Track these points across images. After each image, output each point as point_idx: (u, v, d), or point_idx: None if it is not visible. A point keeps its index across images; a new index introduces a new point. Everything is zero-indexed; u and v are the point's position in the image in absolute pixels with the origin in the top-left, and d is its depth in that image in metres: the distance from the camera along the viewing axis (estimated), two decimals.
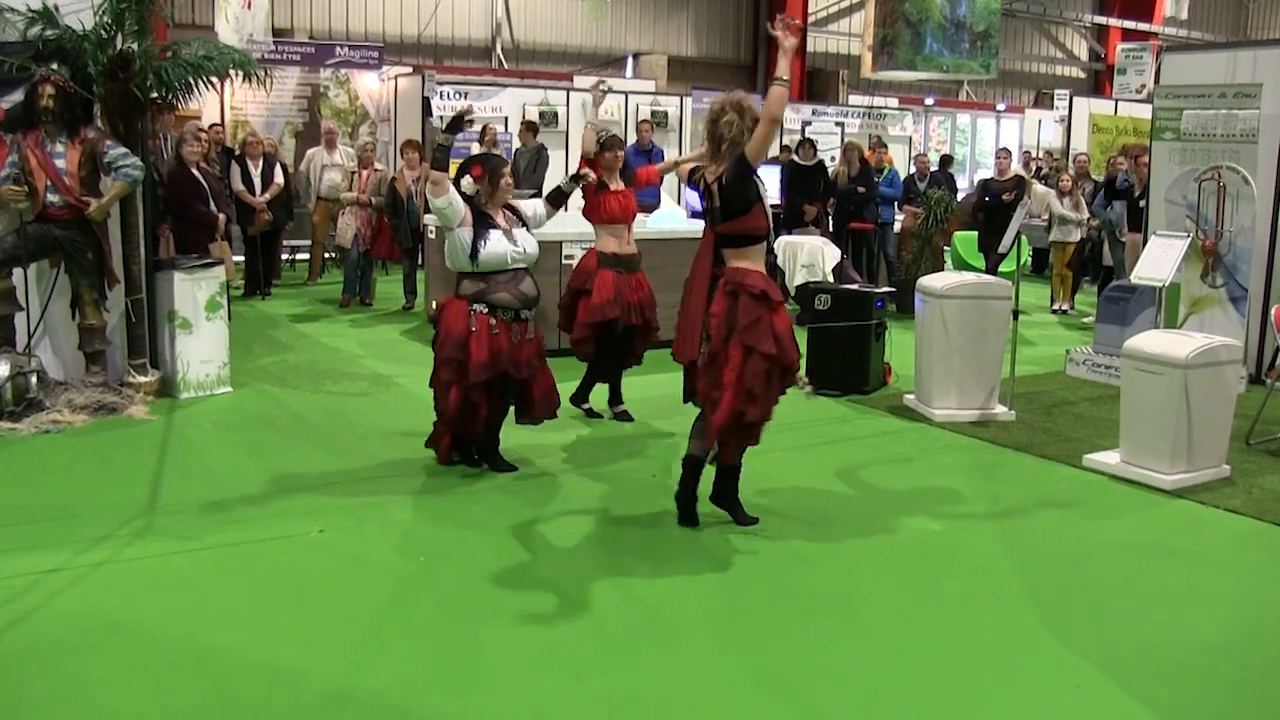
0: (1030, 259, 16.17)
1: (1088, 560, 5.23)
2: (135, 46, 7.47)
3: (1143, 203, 11.01)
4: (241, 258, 12.63)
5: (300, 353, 9.47)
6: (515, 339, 5.96)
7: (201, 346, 7.85)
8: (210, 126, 12.94)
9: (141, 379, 7.62)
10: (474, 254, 5.87)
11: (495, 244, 5.90)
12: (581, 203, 7.54)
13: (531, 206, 6.40)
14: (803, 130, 18.65)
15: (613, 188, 7.25)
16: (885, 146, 14.18)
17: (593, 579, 4.77)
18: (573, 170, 6.64)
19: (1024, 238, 8.44)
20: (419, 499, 5.78)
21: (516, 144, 13.92)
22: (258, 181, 12.31)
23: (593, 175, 7.07)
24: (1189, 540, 5.54)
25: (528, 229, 6.19)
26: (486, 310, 5.89)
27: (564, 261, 9.19)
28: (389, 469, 6.17)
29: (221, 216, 10.08)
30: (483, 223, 5.94)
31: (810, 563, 5.05)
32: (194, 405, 7.62)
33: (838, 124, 19.55)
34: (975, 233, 13.39)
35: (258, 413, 7.47)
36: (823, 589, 4.77)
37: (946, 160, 16.91)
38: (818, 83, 24.12)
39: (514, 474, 6.18)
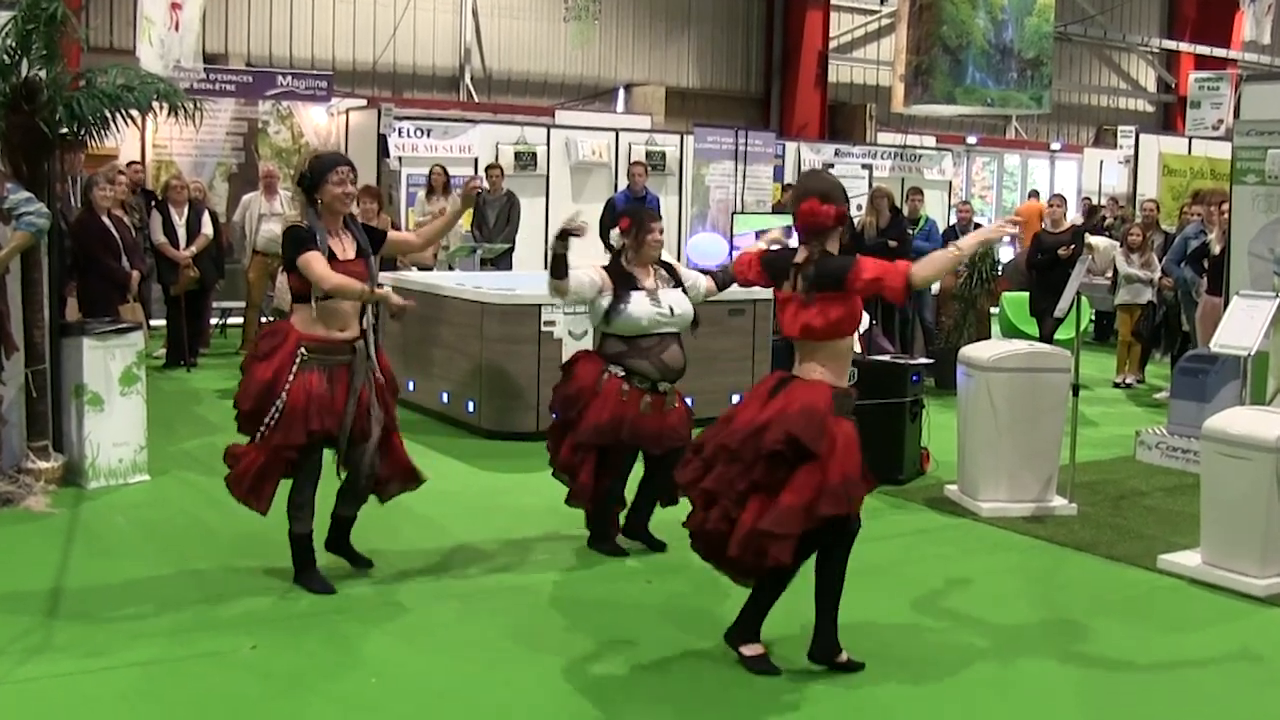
0: (1092, 324, 16.25)
1: (1164, 682, 5.20)
2: (43, 74, 7.56)
3: (1205, 262, 11.14)
4: (163, 321, 12.66)
5: (230, 434, 9.35)
6: (645, 410, 6.37)
7: (114, 426, 7.84)
8: (129, 165, 13.02)
9: (42, 464, 7.61)
10: (608, 318, 6.36)
11: (635, 307, 6.35)
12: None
13: (693, 276, 6.74)
14: None
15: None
16: (920, 193, 14.31)
17: (581, 716, 4.74)
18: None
19: (1084, 299, 8.49)
20: (368, 610, 5.75)
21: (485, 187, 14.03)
22: (182, 232, 12.35)
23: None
24: None
25: (684, 291, 6.55)
26: (622, 374, 6.36)
27: (542, 329, 9.21)
28: (333, 572, 6.14)
29: (134, 273, 10.12)
30: (624, 283, 6.40)
31: (831, 686, 5.02)
32: (104, 496, 7.60)
33: (865, 166, 19.73)
34: (1027, 294, 13.47)
35: (180, 505, 7.46)
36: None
37: (1093, 211, 16.99)
38: (841, 118, 24.38)
39: (491, 577, 6.19)
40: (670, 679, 5.07)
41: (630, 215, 6.55)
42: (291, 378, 5.68)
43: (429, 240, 6.84)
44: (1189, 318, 12.25)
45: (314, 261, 5.66)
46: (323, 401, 5.70)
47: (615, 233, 6.47)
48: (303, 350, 5.72)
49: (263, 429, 5.71)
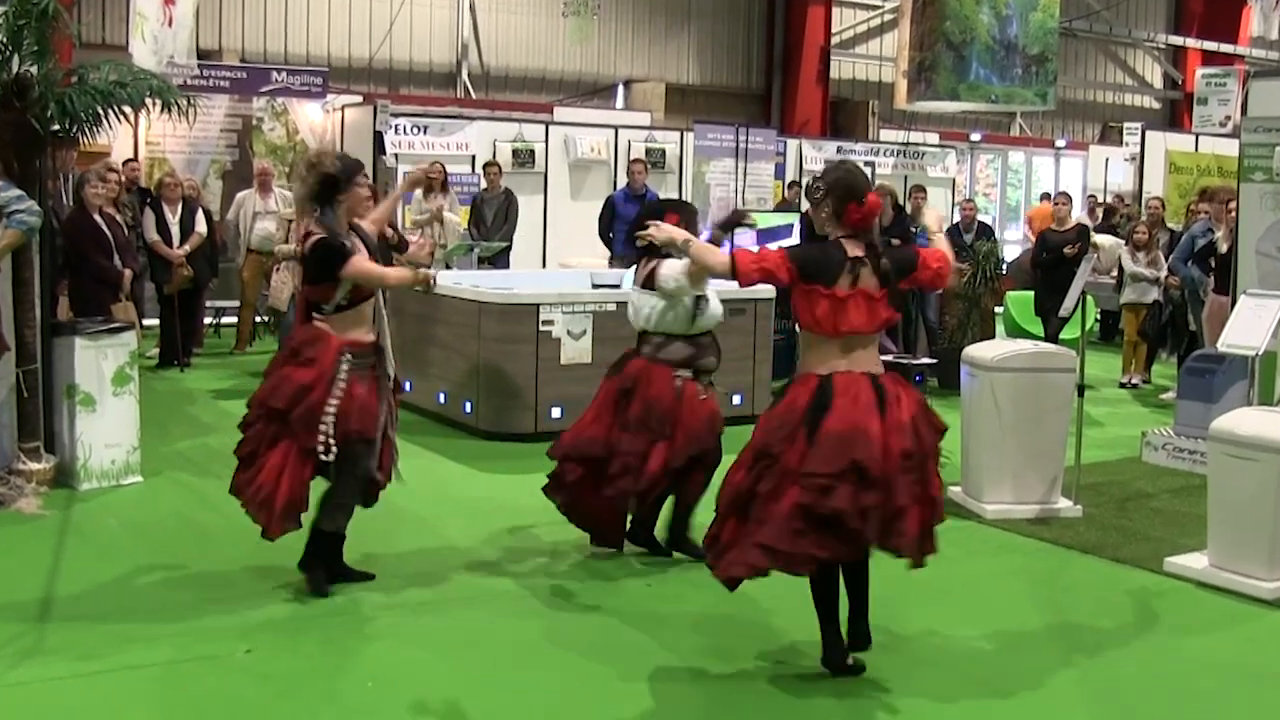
0: (1097, 323, 16.26)
1: (1170, 686, 5.21)
2: (34, 70, 7.56)
3: (1212, 260, 11.11)
4: (156, 321, 12.67)
5: (225, 435, 9.40)
6: (719, 401, 6.53)
7: (107, 427, 7.85)
8: (125, 163, 13.02)
9: (34, 466, 7.61)
10: (694, 316, 6.32)
11: (714, 302, 6.41)
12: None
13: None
14: None
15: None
16: (924, 190, 14.32)
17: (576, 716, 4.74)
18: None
19: (1090, 298, 8.50)
20: (365, 613, 5.76)
21: (482, 186, 14.05)
22: (175, 230, 12.37)
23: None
24: None
25: None
26: (690, 376, 6.34)
27: (540, 329, 9.18)
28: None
29: (127, 272, 10.12)
30: None
31: (832, 689, 5.02)
32: (96, 498, 7.60)
33: (867, 163, 19.74)
34: (1031, 293, 13.47)
35: (173, 507, 7.46)
36: None
37: (1110, 211, 16.95)
38: (843, 115, 24.40)
39: (488, 581, 6.19)
40: (670, 683, 5.07)
41: (678, 211, 6.44)
42: (344, 384, 5.65)
43: (378, 224, 6.75)
44: (1196, 317, 12.25)
45: (366, 265, 5.74)
46: (364, 403, 5.71)
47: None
48: (348, 355, 5.71)
49: (321, 446, 5.62)
